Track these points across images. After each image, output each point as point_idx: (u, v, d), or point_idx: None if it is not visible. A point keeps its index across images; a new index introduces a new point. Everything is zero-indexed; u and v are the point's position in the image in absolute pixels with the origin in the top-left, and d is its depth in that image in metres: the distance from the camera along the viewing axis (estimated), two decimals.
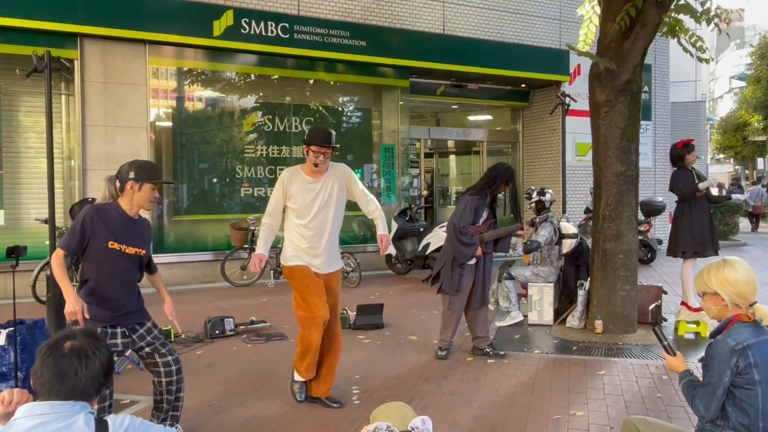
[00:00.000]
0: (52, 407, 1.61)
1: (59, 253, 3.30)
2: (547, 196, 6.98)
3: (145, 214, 3.70)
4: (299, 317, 4.21)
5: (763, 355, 2.40)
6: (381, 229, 4.30)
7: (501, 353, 5.51)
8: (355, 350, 5.79)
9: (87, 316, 3.22)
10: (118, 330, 3.39)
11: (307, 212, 4.17)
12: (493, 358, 5.45)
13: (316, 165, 4.12)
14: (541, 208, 6.93)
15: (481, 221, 5.42)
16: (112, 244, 3.32)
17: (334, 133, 4.22)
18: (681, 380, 2.61)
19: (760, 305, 2.50)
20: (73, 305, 3.15)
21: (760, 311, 2.49)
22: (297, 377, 4.36)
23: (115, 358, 3.42)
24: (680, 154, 6.65)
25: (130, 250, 3.39)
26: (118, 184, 3.41)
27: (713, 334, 2.54)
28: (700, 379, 2.57)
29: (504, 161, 5.64)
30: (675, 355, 2.71)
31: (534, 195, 7.00)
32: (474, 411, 4.22)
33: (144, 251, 3.47)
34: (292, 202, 4.20)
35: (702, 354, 2.59)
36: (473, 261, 5.41)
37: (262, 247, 4.24)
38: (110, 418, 1.67)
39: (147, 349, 3.48)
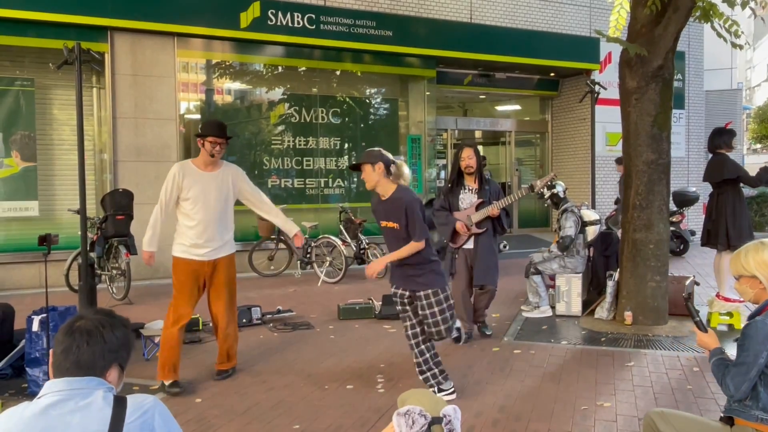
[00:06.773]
0: (69, 383, 1.63)
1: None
2: (558, 188, 6.72)
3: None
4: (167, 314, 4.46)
5: None
6: (284, 223, 5.00)
7: (488, 333, 5.78)
8: (380, 340, 5.80)
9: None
10: None
11: (200, 203, 4.33)
12: (483, 337, 5.75)
13: (212, 155, 4.33)
14: (557, 200, 6.75)
15: (463, 206, 5.73)
16: None
17: (227, 125, 4.49)
18: (711, 358, 2.57)
19: None
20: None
21: None
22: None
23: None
24: (726, 140, 6.39)
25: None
26: None
27: (751, 316, 2.50)
28: (731, 359, 2.53)
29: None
30: (707, 331, 2.66)
31: (546, 193, 6.70)
32: (499, 401, 4.19)
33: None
34: (185, 194, 4.34)
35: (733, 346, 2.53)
36: (470, 245, 5.64)
37: (147, 243, 4.39)
38: (131, 397, 1.66)
39: None
